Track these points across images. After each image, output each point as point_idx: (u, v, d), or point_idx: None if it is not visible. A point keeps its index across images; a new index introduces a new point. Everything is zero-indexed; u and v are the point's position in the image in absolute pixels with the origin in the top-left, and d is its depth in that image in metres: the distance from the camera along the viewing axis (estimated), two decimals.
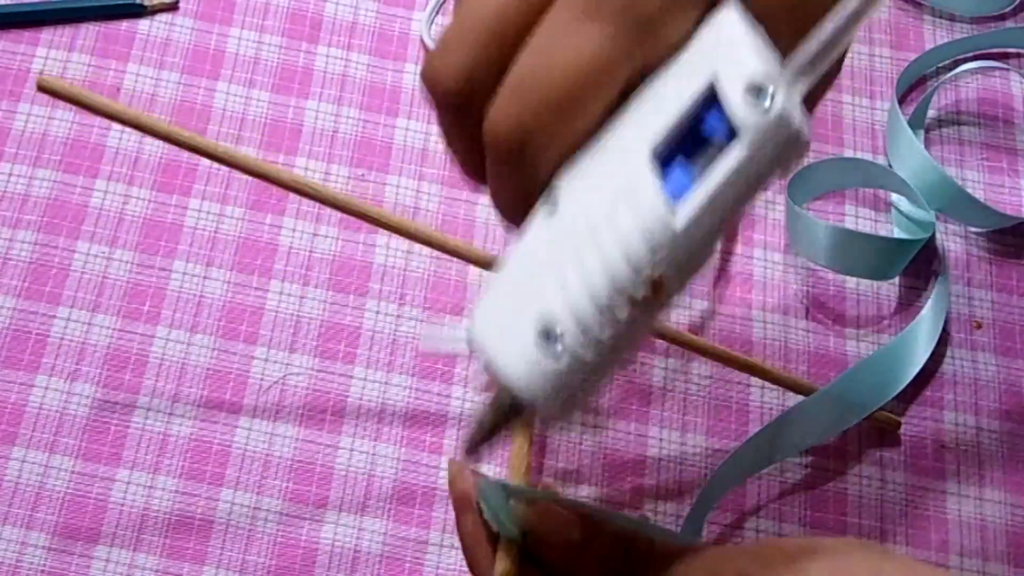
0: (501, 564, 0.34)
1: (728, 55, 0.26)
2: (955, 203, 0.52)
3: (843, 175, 0.52)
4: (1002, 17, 0.57)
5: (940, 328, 0.49)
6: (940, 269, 0.51)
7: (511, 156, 0.27)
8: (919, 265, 0.51)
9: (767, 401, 0.48)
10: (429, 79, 0.28)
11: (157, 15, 0.54)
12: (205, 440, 0.46)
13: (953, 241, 0.52)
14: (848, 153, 0.54)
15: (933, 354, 0.49)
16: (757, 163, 0.25)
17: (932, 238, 0.51)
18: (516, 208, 0.29)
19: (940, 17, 0.57)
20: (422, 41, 0.55)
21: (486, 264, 0.44)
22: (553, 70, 0.26)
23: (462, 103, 0.28)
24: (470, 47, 0.27)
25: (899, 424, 0.48)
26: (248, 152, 0.51)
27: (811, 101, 0.27)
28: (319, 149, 0.52)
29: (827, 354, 0.50)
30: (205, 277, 0.48)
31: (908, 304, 0.51)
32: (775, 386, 0.48)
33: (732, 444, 0.47)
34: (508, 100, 0.27)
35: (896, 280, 0.51)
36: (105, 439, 0.45)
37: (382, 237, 0.50)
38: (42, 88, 0.39)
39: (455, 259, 0.50)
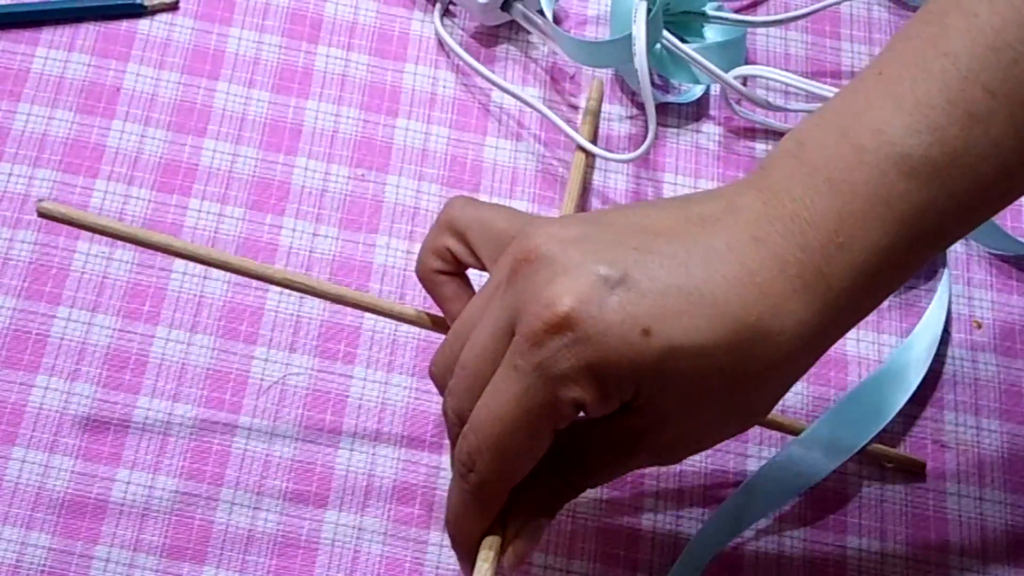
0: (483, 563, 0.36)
1: None
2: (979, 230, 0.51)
3: None
4: None
5: (931, 357, 0.49)
6: (938, 284, 0.51)
7: (465, 474, 0.35)
8: None
9: None
10: (443, 412, 0.37)
11: (157, 15, 0.54)
12: (205, 440, 0.46)
13: None
14: None
15: (934, 353, 0.49)
16: None
17: None
18: (469, 525, 0.36)
19: None
20: (438, 38, 0.55)
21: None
22: (490, 413, 0.34)
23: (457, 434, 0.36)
24: (464, 391, 0.35)
25: (923, 465, 0.48)
26: (249, 150, 0.51)
27: None
28: (319, 149, 0.52)
29: (827, 354, 0.50)
30: (205, 277, 0.48)
31: (909, 305, 0.51)
32: None
33: (732, 444, 0.47)
34: (465, 434, 0.35)
35: None
36: (105, 439, 0.45)
37: (382, 237, 0.50)
38: (42, 214, 0.39)
39: None
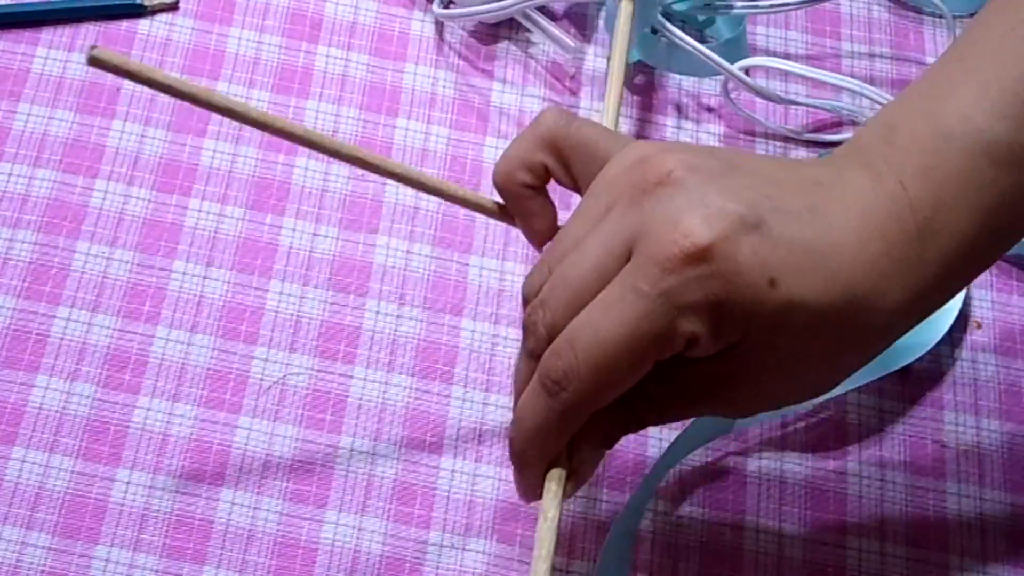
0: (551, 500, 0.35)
1: None
2: None
3: None
4: None
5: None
6: None
7: (556, 392, 0.33)
8: None
9: None
10: (529, 323, 0.35)
11: (157, 15, 0.54)
12: (205, 440, 0.46)
13: None
14: None
15: (933, 354, 0.49)
16: None
17: None
18: (545, 445, 0.35)
19: (940, 17, 0.57)
20: (437, 26, 0.55)
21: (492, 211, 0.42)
22: (597, 332, 0.32)
23: (543, 348, 0.34)
24: (562, 305, 0.33)
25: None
26: (249, 150, 0.51)
27: None
28: None
29: None
30: (205, 277, 0.48)
31: None
32: None
33: (732, 444, 0.47)
34: (559, 350, 0.33)
35: None
36: (105, 439, 0.45)
37: (382, 237, 0.50)
38: (93, 62, 0.36)
39: (455, 257, 0.50)
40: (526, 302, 0.36)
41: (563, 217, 0.38)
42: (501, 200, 0.40)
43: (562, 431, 0.34)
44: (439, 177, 0.52)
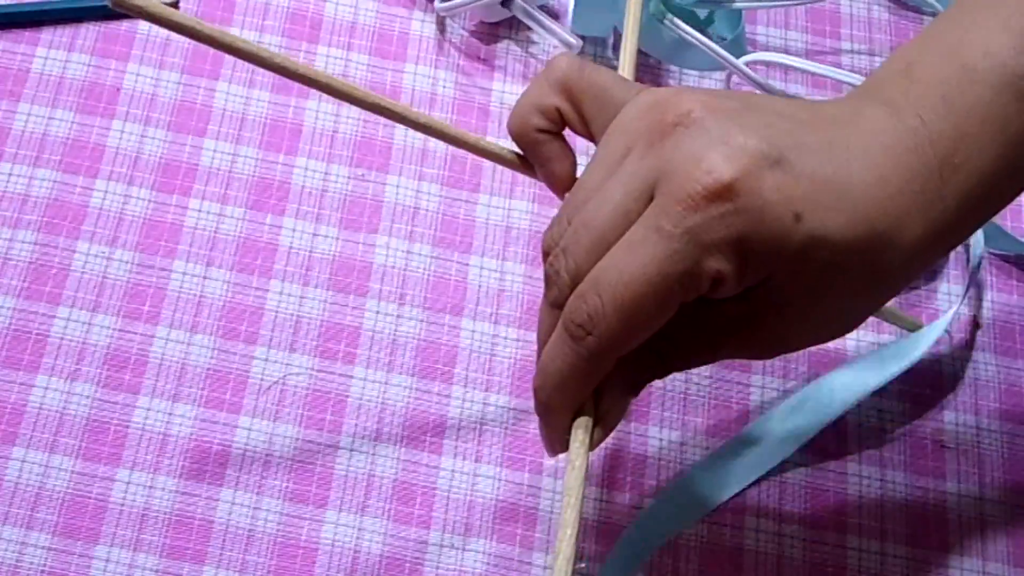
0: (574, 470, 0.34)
1: None
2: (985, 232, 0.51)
3: None
4: None
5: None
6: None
7: (581, 336, 0.33)
8: None
9: (767, 400, 0.48)
10: (551, 272, 0.34)
11: None
12: (205, 440, 0.46)
13: None
14: None
15: (933, 353, 0.49)
16: None
17: None
18: (571, 392, 0.34)
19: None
20: (437, 23, 0.55)
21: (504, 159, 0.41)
22: (622, 274, 0.32)
23: (567, 296, 0.33)
24: (585, 251, 0.33)
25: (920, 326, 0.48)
26: (249, 150, 0.51)
27: None
28: (319, 149, 0.52)
29: (827, 351, 0.50)
30: (205, 277, 0.48)
31: (911, 306, 0.51)
32: (776, 384, 0.48)
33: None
34: (584, 294, 0.33)
35: None
36: (105, 439, 0.45)
37: (382, 237, 0.50)
38: (117, 4, 0.35)
39: (455, 257, 0.50)
40: (546, 255, 0.35)
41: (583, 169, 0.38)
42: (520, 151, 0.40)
43: (588, 377, 0.34)
44: (442, 176, 0.52)
